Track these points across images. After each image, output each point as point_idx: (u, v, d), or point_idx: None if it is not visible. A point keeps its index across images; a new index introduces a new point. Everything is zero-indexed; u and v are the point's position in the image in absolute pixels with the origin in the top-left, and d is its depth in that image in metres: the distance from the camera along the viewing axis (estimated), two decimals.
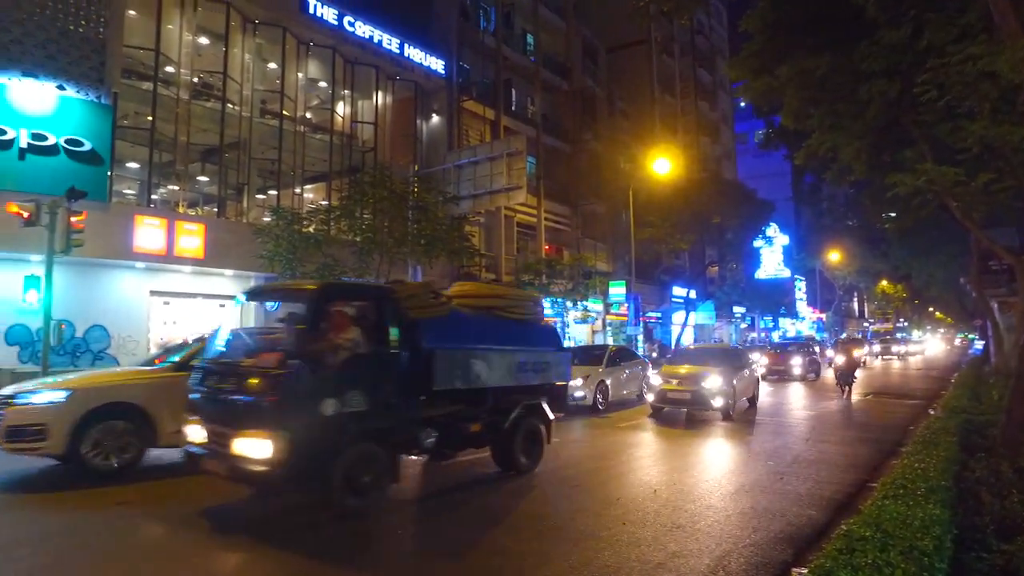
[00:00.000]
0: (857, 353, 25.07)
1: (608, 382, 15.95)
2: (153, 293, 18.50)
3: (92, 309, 16.94)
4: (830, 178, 13.57)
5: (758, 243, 46.29)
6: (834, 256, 48.38)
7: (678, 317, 39.31)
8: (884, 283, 56.77)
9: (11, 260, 15.00)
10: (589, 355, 17.01)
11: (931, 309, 75.36)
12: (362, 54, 24.49)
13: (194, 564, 5.16)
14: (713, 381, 13.91)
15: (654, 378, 15.65)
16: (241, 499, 6.91)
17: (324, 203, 21.47)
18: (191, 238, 18.18)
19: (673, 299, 39.42)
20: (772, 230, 46.75)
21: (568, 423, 12.69)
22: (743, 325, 52.51)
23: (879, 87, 9.23)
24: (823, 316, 63.59)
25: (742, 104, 55.61)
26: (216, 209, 21.02)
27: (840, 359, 19.60)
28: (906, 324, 77.16)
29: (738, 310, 47.92)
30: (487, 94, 29.54)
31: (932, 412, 12.67)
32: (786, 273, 52.85)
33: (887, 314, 70.27)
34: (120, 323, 17.41)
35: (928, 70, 8.11)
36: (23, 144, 15.62)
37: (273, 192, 22.64)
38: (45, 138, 15.92)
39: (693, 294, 36.40)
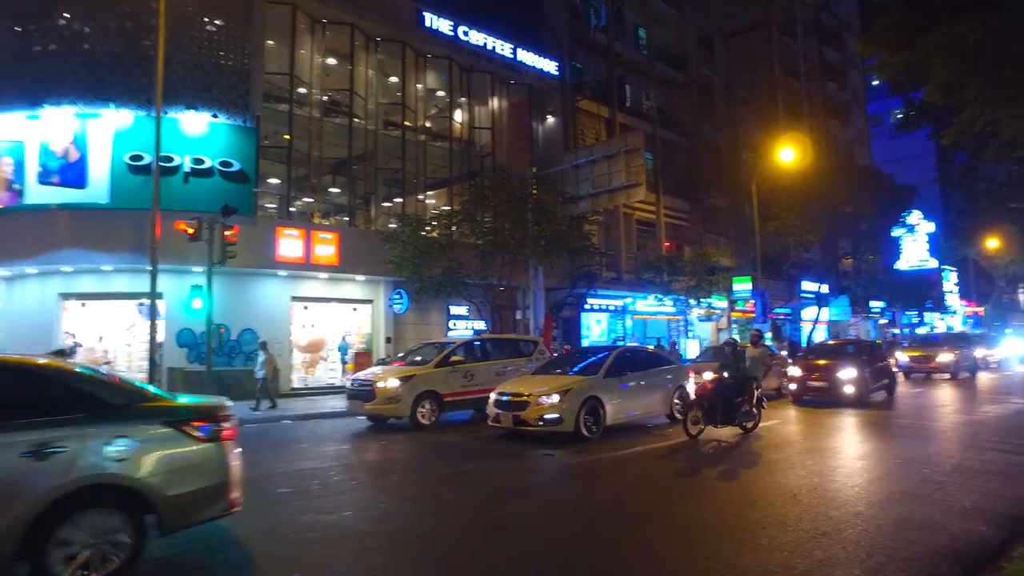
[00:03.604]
0: None
1: (604, 398, 11.21)
2: (294, 299, 20.01)
3: (243, 314, 18.60)
4: (989, 156, 12.37)
5: (898, 232, 42.77)
6: (992, 243, 43.72)
7: (809, 313, 37.13)
8: None
9: (178, 272, 16.76)
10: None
11: None
12: (477, 61, 25.14)
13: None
14: (847, 372, 15.34)
15: (792, 370, 16.69)
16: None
17: (446, 208, 22.26)
18: (326, 246, 19.51)
19: (803, 294, 37.25)
20: (914, 217, 43.06)
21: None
22: (882, 321, 48.61)
23: None
24: (979, 310, 57.52)
25: (875, 83, 51.64)
26: (347, 218, 22.40)
27: None
28: None
29: (875, 305, 44.50)
30: (601, 92, 29.36)
31: None
32: (932, 263, 48.44)
33: None
34: (266, 326, 18.96)
35: None
36: (187, 168, 17.59)
37: (398, 200, 23.77)
38: (203, 162, 17.78)
39: (825, 288, 34.24)
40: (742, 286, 29.98)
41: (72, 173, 17.47)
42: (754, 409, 11.28)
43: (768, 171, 27.06)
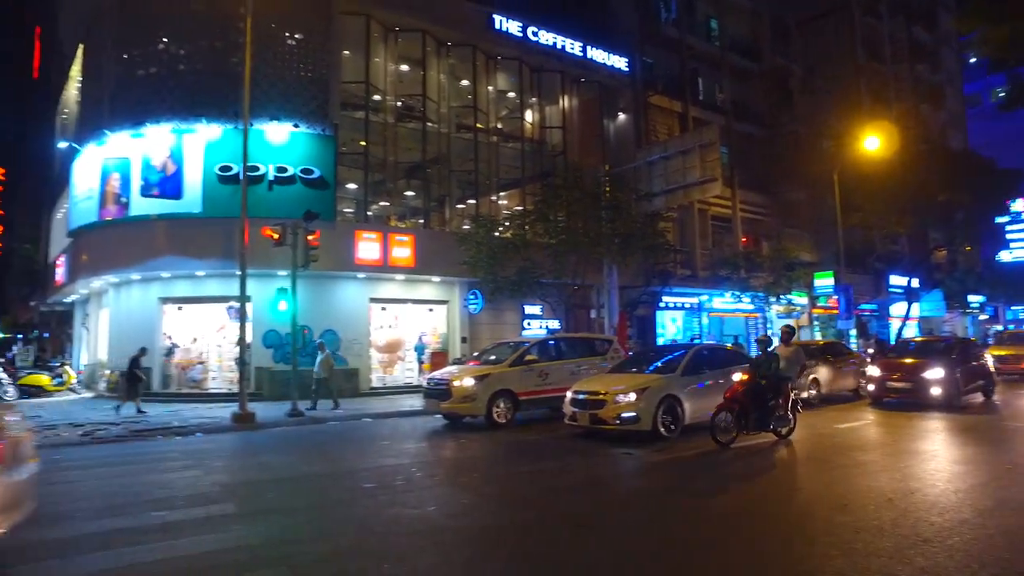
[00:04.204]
0: None
1: (681, 396, 11.09)
2: (372, 300, 20.63)
3: (325, 316, 19.33)
4: None
5: (1001, 220, 39.86)
6: None
7: (898, 309, 35.19)
8: None
9: (264, 276, 17.60)
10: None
11: None
12: (546, 61, 25.19)
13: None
14: (934, 371, 14.11)
15: (871, 369, 15.73)
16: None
17: (519, 208, 22.42)
18: (402, 248, 20.04)
19: (891, 289, 35.32)
20: (1020, 204, 40.02)
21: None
22: (982, 316, 45.44)
23: None
24: None
25: (973, 60, 48.36)
26: (422, 221, 22.91)
27: None
28: None
29: (975, 299, 41.67)
30: (673, 87, 28.82)
31: None
32: None
33: None
34: (347, 327, 19.68)
35: None
36: (271, 177, 18.48)
37: (472, 201, 24.11)
38: (285, 170, 18.62)
39: (916, 283, 32.35)
40: (824, 281, 28.76)
41: (170, 185, 18.65)
42: (789, 413, 10.46)
43: (851, 161, 25.82)
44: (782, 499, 7.15)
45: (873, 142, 23.70)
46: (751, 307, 28.69)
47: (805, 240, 32.94)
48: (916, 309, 33.79)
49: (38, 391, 21.08)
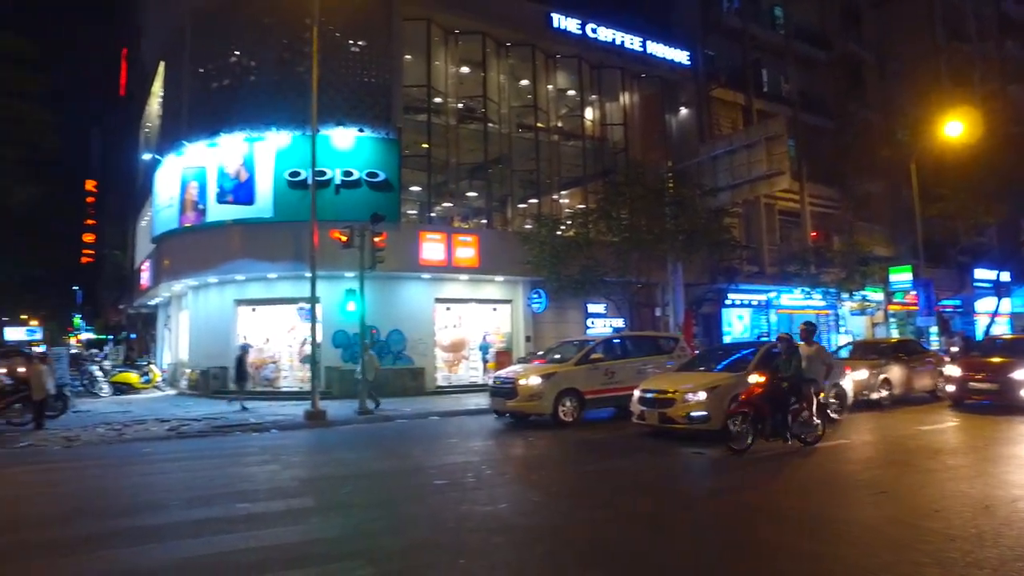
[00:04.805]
0: None
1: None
2: (437, 300, 20.93)
3: (391, 316, 19.73)
4: None
5: None
6: None
7: (986, 305, 33.18)
8: None
9: (332, 278, 18.08)
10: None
11: None
12: (606, 57, 24.98)
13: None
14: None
15: (949, 368, 14.74)
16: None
17: (581, 207, 22.32)
18: (466, 249, 20.26)
19: (977, 284, 33.34)
20: None
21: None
22: None
23: None
24: None
25: None
26: (485, 221, 23.08)
27: None
28: None
29: None
30: (736, 79, 28.06)
31: None
32: None
33: None
34: (412, 327, 20.03)
35: None
36: (337, 181, 19.01)
37: (534, 200, 24.14)
38: (351, 174, 19.14)
39: (1006, 276, 30.44)
40: (901, 276, 27.38)
41: (243, 191, 19.43)
42: (815, 419, 9.56)
43: (930, 148, 24.52)
44: (864, 503, 6.84)
45: (955, 128, 22.42)
46: (822, 304, 27.65)
47: (879, 233, 31.45)
48: (1006, 304, 31.82)
49: (128, 388, 22.34)
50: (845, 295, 26.37)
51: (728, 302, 25.88)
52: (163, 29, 24.54)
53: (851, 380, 13.14)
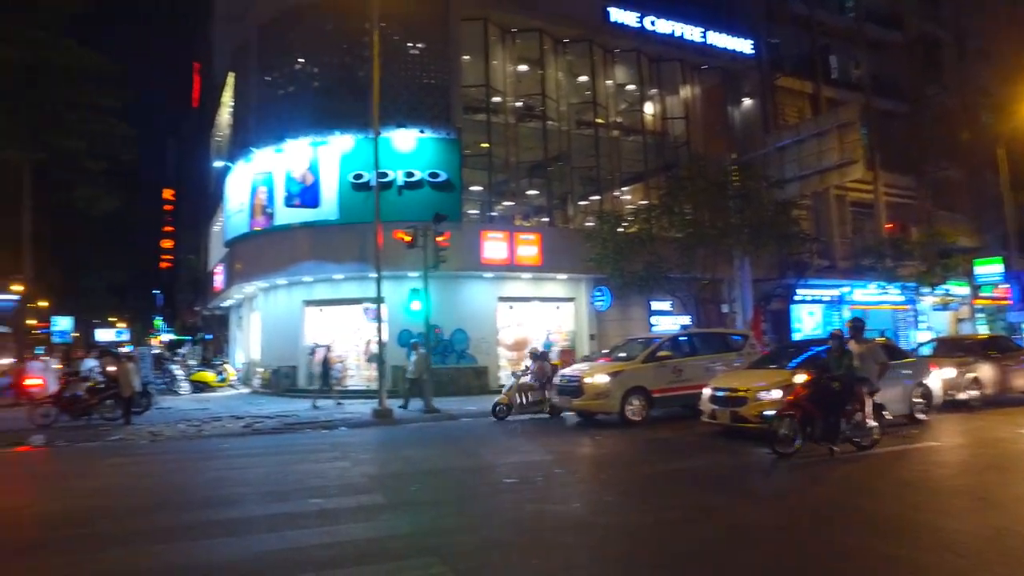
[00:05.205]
0: None
1: None
2: (500, 299, 20.96)
3: (454, 315, 19.87)
4: None
5: None
6: None
7: None
8: None
9: (396, 278, 18.33)
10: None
11: None
12: (665, 50, 24.51)
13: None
14: None
15: None
16: None
17: (643, 203, 21.96)
18: (528, 247, 20.23)
19: None
20: None
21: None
22: None
23: None
24: None
25: None
26: (546, 219, 22.99)
27: None
28: None
29: None
30: (802, 67, 27.07)
31: None
32: None
33: None
34: (475, 326, 20.12)
35: None
36: (400, 182, 19.28)
37: (595, 197, 23.89)
38: (413, 175, 19.39)
39: None
40: (989, 268, 25.80)
41: (308, 195, 19.94)
42: (869, 421, 8.92)
43: (1019, 130, 22.97)
44: (964, 510, 6.39)
45: None
46: (900, 299, 26.35)
47: (962, 223, 29.73)
48: None
49: (205, 386, 23.31)
50: (925, 289, 25.04)
51: (797, 298, 24.95)
52: (231, 42, 25.51)
53: (938, 379, 12.39)
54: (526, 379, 14.61)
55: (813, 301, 25.96)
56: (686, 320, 21.05)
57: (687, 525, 5.98)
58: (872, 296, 26.46)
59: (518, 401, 14.27)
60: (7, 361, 24.69)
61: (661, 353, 13.23)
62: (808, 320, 26.04)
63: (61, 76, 21.75)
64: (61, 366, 15.68)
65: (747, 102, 26.39)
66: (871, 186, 27.35)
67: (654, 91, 25.12)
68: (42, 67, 21.06)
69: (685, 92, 25.41)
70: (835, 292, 26.31)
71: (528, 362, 15.35)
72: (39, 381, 16.07)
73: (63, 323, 31.32)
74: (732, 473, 8.39)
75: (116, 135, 23.64)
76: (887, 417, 9.60)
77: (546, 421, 13.87)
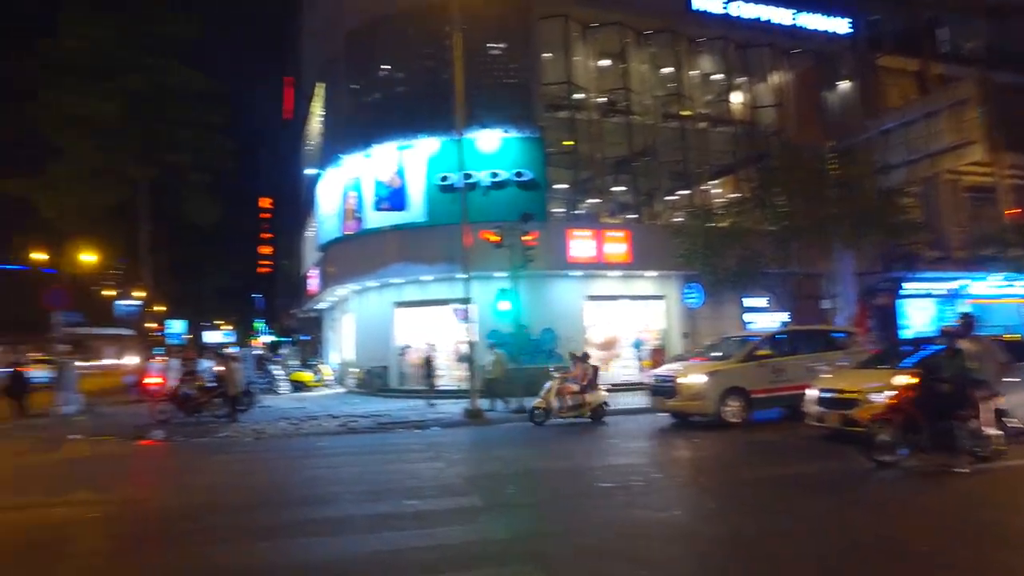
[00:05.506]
0: None
1: None
2: (588, 297, 20.71)
3: (542, 314, 19.76)
4: None
5: None
6: None
7: None
8: None
9: (483, 278, 18.40)
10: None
11: None
12: (752, 36, 23.51)
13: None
14: None
15: None
16: None
17: (734, 195, 21.13)
18: (616, 244, 19.90)
19: None
20: None
21: None
22: None
23: None
24: None
25: None
26: (633, 215, 22.53)
27: None
28: None
29: None
30: (906, 43, 25.25)
31: None
32: None
33: None
34: (563, 326, 19.94)
35: None
36: (485, 183, 19.38)
37: (683, 192, 23.21)
38: (498, 175, 19.45)
39: None
40: None
41: (396, 198, 20.38)
42: (987, 429, 7.83)
43: None
44: None
45: None
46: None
47: None
48: None
49: (302, 386, 24.32)
50: None
51: (906, 292, 23.30)
52: (320, 55, 26.46)
53: None
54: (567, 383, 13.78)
55: (924, 296, 24.18)
56: (783, 317, 20.08)
57: (802, 537, 5.60)
58: (995, 289, 24.33)
59: (556, 405, 13.54)
60: (133, 361, 26.73)
61: (760, 352, 12.67)
62: (918, 316, 24.27)
63: (174, 98, 23.28)
64: (184, 365, 16.83)
65: (844, 85, 24.90)
66: (990, 168, 25.12)
67: (742, 79, 24.13)
68: (158, 91, 22.59)
69: (775, 78, 24.26)
70: (950, 285, 24.39)
71: (569, 365, 14.63)
72: (158, 380, 17.22)
73: (177, 326, 33.55)
74: (844, 480, 7.82)
75: (220, 149, 25.05)
76: (1014, 425, 8.62)
77: (639, 423, 13.50)
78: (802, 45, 24.18)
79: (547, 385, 13.76)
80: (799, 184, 17.85)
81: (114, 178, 22.86)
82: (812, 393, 10.45)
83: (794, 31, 23.83)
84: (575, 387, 13.70)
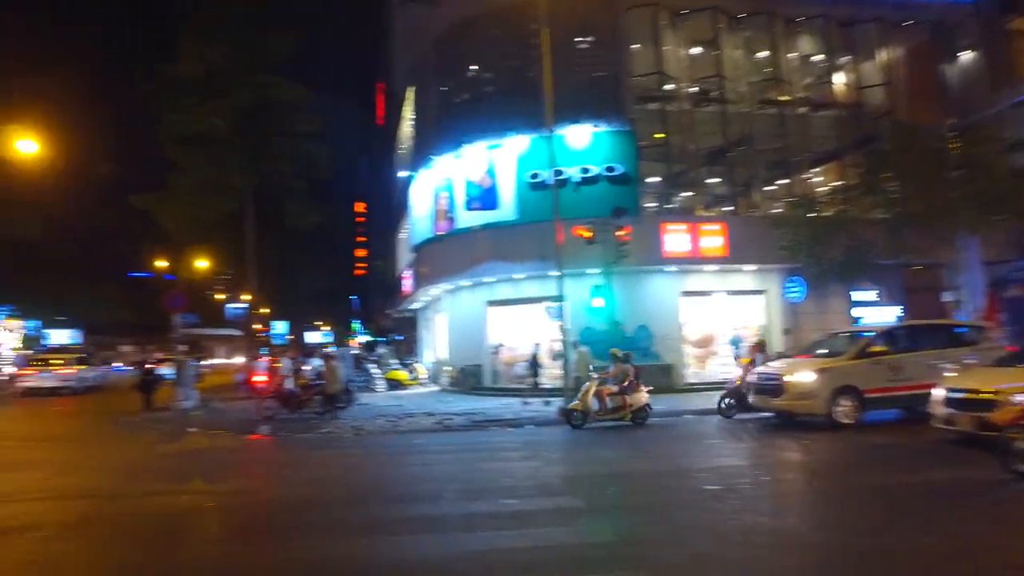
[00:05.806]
0: None
1: None
2: (684, 293, 20.10)
3: (636, 311, 19.35)
4: None
5: None
6: None
7: None
8: None
9: (575, 275, 18.14)
10: None
11: None
12: (856, 11, 22.09)
13: None
14: None
15: None
16: None
17: (839, 183, 19.88)
18: (712, 238, 19.18)
19: None
20: None
21: None
22: None
23: None
24: None
25: None
26: (730, 208, 21.67)
27: None
28: None
29: None
30: None
31: None
32: None
33: None
34: (658, 322, 19.45)
35: None
36: (576, 179, 19.20)
37: (783, 181, 22.09)
38: (589, 170, 19.23)
39: None
40: None
41: (487, 197, 20.53)
42: None
43: None
44: None
45: None
46: None
47: None
48: None
49: (398, 384, 24.99)
50: None
51: None
52: (410, 59, 27.13)
53: None
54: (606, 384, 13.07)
55: None
56: (896, 311, 18.71)
57: (943, 557, 5.08)
58: None
59: (595, 407, 12.83)
60: (242, 360, 28.39)
61: (874, 348, 11.79)
62: None
63: (277, 109, 24.54)
64: (294, 364, 17.72)
65: (965, 56, 22.89)
66: None
67: (846, 58, 22.66)
68: (263, 104, 23.88)
69: (883, 55, 22.58)
70: None
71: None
72: (264, 378, 18.15)
73: (280, 327, 35.39)
74: (980, 492, 7.08)
75: (317, 156, 26.14)
76: None
77: (748, 423, 12.84)
78: (914, 16, 22.48)
79: (584, 386, 13.20)
80: (914, 167, 16.53)
81: (223, 189, 24.35)
82: (939, 393, 9.59)
83: (904, 2, 22.18)
84: (614, 388, 13.01)
